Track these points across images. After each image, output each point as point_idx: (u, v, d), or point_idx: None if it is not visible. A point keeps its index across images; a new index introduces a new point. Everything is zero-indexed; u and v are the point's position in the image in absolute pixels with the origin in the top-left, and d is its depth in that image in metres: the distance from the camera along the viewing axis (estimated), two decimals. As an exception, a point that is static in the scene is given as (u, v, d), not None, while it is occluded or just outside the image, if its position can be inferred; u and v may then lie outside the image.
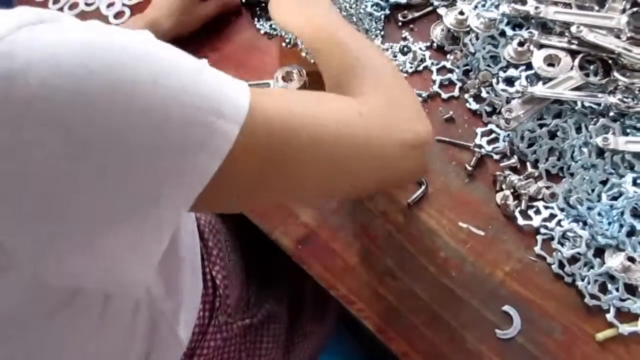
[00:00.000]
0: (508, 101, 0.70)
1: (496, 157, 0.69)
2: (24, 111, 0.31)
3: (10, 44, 0.32)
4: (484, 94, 0.73)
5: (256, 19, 0.89)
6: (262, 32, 0.87)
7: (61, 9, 0.97)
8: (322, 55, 0.60)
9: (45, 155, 0.32)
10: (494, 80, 0.73)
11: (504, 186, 0.66)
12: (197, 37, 0.88)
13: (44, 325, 0.42)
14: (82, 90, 0.33)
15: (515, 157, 0.68)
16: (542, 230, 0.63)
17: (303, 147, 0.45)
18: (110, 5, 0.95)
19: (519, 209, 0.65)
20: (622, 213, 0.61)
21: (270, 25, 0.87)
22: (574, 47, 0.70)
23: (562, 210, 0.64)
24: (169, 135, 0.36)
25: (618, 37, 0.69)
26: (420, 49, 0.80)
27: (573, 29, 0.69)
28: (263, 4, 0.89)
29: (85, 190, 0.34)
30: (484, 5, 0.79)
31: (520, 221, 0.64)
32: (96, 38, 0.35)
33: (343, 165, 0.49)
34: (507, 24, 0.75)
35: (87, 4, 0.96)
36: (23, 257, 0.35)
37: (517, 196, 0.66)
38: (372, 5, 0.84)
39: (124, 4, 0.95)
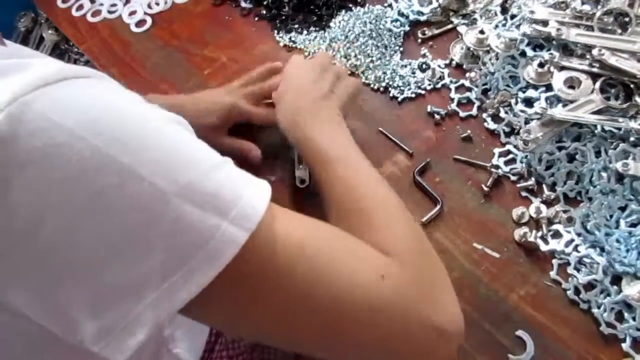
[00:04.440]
0: (527, 122, 0.70)
1: (513, 178, 0.69)
2: (16, 175, 0.30)
3: (21, 106, 0.31)
4: (502, 114, 0.73)
5: (276, 31, 0.89)
6: (281, 44, 0.88)
7: (84, 16, 0.98)
8: (322, 180, 0.55)
9: (25, 222, 0.31)
10: (513, 101, 0.72)
11: (522, 220, 0.66)
12: (217, 49, 0.89)
13: (38, 350, 0.40)
14: (75, 167, 0.31)
15: (533, 179, 0.68)
16: (559, 255, 0.63)
17: (307, 285, 0.39)
18: (132, 13, 0.96)
19: (540, 233, 0.64)
20: (641, 240, 0.60)
21: (290, 38, 0.88)
22: (595, 70, 0.69)
23: (579, 235, 0.63)
24: (161, 233, 0.33)
25: (640, 61, 0.68)
26: (439, 66, 0.80)
27: (595, 51, 0.68)
28: (283, 17, 0.90)
29: (62, 269, 0.32)
30: (504, 25, 0.78)
31: (543, 247, 0.63)
32: (110, 113, 0.34)
33: (338, 332, 0.41)
34: (528, 44, 0.74)
35: (109, 12, 0.97)
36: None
37: (536, 221, 0.65)
38: (392, 22, 0.85)
39: (145, 13, 0.96)
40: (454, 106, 0.75)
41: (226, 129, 0.74)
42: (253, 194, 0.38)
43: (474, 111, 0.75)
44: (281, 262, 0.38)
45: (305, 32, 0.88)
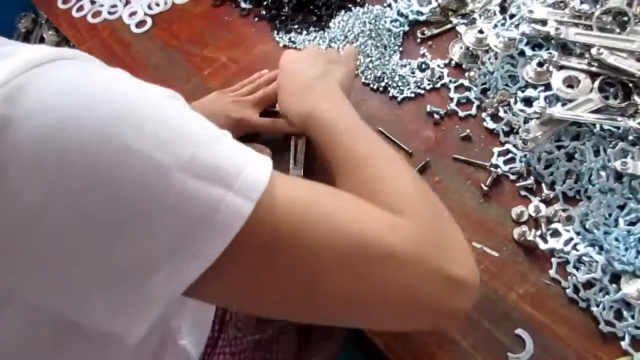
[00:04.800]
0: (526, 121, 0.70)
1: (512, 177, 0.69)
2: (13, 160, 0.30)
3: (13, 89, 0.30)
4: (501, 114, 0.73)
5: (275, 32, 0.90)
6: (281, 44, 0.88)
7: (84, 17, 0.98)
8: (327, 150, 0.55)
9: (27, 207, 0.31)
10: (512, 100, 0.72)
11: (521, 219, 0.66)
12: (216, 49, 0.89)
13: (48, 347, 0.40)
14: (74, 148, 0.31)
15: (532, 178, 0.68)
16: (558, 254, 0.63)
17: (317, 246, 0.39)
18: (132, 14, 0.97)
19: (539, 232, 0.64)
20: (640, 239, 0.61)
21: (289, 38, 0.88)
22: (594, 69, 0.70)
23: (578, 234, 0.63)
24: (166, 208, 0.33)
25: (639, 60, 0.68)
26: (439, 66, 0.80)
27: (593, 51, 0.69)
28: (283, 17, 0.90)
29: (70, 251, 0.32)
30: (503, 25, 0.79)
31: (542, 246, 0.63)
32: (105, 91, 0.33)
33: (355, 289, 0.41)
34: (527, 44, 0.74)
35: (110, 13, 0.98)
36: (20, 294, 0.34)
37: (535, 220, 0.65)
38: (391, 22, 0.85)
39: (145, 14, 0.96)
40: (453, 106, 0.76)
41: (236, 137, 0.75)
42: (255, 164, 0.38)
43: (473, 111, 0.75)
44: (288, 227, 0.38)
45: (304, 32, 0.88)
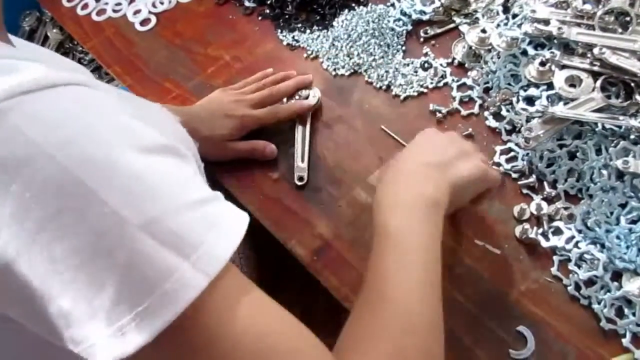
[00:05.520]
0: (528, 120, 0.70)
1: (514, 175, 0.69)
2: None
3: (5, 110, 0.30)
4: (504, 112, 0.73)
5: (279, 31, 0.90)
6: (284, 43, 0.89)
7: (89, 15, 0.99)
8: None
9: None
10: (514, 99, 0.73)
11: (523, 217, 0.66)
12: (220, 48, 0.90)
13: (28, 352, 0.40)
14: (38, 184, 0.30)
15: (534, 176, 0.68)
16: (559, 252, 0.63)
17: None
18: (136, 12, 0.97)
19: (541, 230, 0.64)
20: (641, 237, 0.61)
21: (293, 37, 0.88)
22: (596, 68, 0.70)
23: (579, 232, 0.64)
24: (116, 264, 0.32)
25: (641, 60, 0.69)
26: (441, 65, 0.80)
27: (596, 50, 0.69)
28: (286, 16, 0.91)
29: (15, 293, 0.32)
30: (506, 24, 0.79)
31: (544, 243, 0.63)
32: (86, 133, 0.32)
33: None
34: (529, 43, 0.75)
35: (114, 11, 0.98)
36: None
37: (537, 218, 0.66)
38: (394, 21, 0.85)
39: (150, 12, 0.97)
40: (455, 104, 0.76)
41: (241, 136, 0.76)
42: (218, 239, 0.35)
43: (476, 109, 0.75)
44: (225, 331, 0.35)
45: (308, 31, 0.88)
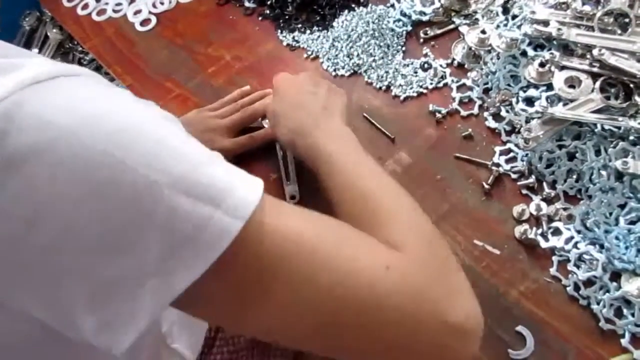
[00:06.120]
0: (527, 121, 0.70)
1: (514, 176, 0.69)
2: (8, 172, 0.30)
3: (13, 104, 0.31)
4: (503, 113, 0.73)
5: (279, 31, 0.90)
6: (284, 43, 0.89)
7: (89, 15, 0.99)
8: (328, 183, 0.54)
9: (20, 222, 0.31)
10: (514, 100, 0.73)
11: (523, 218, 0.66)
12: (220, 48, 0.90)
13: (39, 348, 0.41)
14: (67, 163, 0.31)
15: (533, 177, 0.68)
16: (559, 252, 0.63)
17: (300, 284, 0.38)
18: (137, 12, 0.97)
19: (540, 230, 0.64)
20: (640, 237, 0.61)
21: (293, 37, 0.89)
22: (595, 69, 0.70)
23: (578, 232, 0.64)
24: (155, 224, 0.33)
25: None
26: (441, 65, 0.80)
27: (595, 51, 0.69)
28: (287, 16, 0.91)
29: (60, 266, 0.33)
30: (506, 25, 0.79)
31: (543, 244, 0.64)
32: (102, 109, 0.34)
33: (340, 325, 0.39)
34: (529, 44, 0.75)
35: (114, 11, 0.98)
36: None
37: (536, 218, 0.66)
38: (394, 21, 0.85)
39: (150, 12, 0.97)
40: (455, 105, 0.76)
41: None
42: (246, 184, 0.38)
43: (475, 110, 0.75)
44: (277, 252, 0.37)
45: (308, 31, 0.89)
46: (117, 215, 0.32)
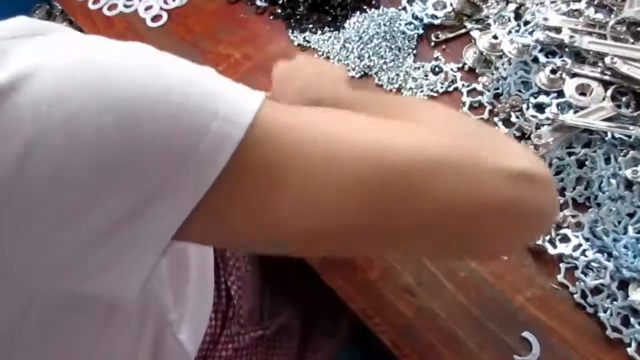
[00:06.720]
0: (538, 127, 0.70)
1: (522, 182, 0.69)
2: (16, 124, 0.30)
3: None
4: (513, 119, 0.73)
5: (290, 30, 0.90)
6: (295, 43, 0.89)
7: (100, 10, 0.99)
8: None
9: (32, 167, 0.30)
10: (525, 106, 0.73)
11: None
12: (230, 46, 0.90)
13: (47, 336, 0.40)
14: (65, 107, 0.31)
15: (542, 183, 0.68)
16: (566, 259, 0.63)
17: (318, 161, 0.34)
18: (148, 8, 0.98)
19: (548, 237, 0.64)
20: (648, 247, 0.61)
21: (304, 38, 0.89)
22: (606, 77, 0.70)
23: (587, 240, 0.64)
24: (152, 140, 0.32)
25: (652, 70, 0.69)
26: (452, 69, 0.80)
27: (607, 59, 0.69)
28: (298, 16, 0.91)
29: (55, 207, 0.31)
30: (518, 31, 0.79)
31: (551, 250, 0.63)
32: (83, 56, 0.34)
33: (384, 200, 0.34)
34: (541, 50, 0.75)
35: (126, 6, 0.99)
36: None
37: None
38: (405, 24, 0.85)
39: (161, 8, 0.97)
40: (465, 109, 0.76)
41: None
42: (244, 92, 0.36)
43: (486, 115, 0.75)
44: (290, 142, 0.34)
45: (319, 32, 0.89)
46: (112, 146, 0.31)
